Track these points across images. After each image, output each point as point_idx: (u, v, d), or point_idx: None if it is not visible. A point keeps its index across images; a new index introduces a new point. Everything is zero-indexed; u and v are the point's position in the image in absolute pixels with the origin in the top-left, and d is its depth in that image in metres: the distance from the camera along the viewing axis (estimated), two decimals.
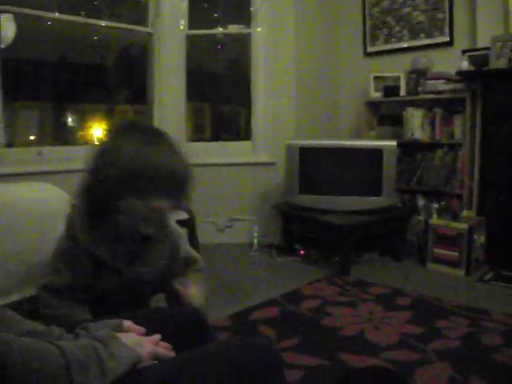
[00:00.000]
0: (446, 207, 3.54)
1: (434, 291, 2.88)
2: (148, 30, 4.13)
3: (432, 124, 3.72)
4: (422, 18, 3.94)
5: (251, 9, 4.14)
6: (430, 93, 3.69)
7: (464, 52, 3.58)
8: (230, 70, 4.93)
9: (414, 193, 3.80)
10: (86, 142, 4.80)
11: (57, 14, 3.73)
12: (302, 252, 3.68)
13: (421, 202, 3.74)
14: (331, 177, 3.59)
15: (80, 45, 4.67)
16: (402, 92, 3.92)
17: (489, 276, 3.13)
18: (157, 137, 1.28)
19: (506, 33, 3.35)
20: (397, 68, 4.01)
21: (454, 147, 3.61)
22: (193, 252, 1.64)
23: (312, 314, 2.57)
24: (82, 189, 1.26)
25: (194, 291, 1.51)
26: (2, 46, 3.55)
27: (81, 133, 5.01)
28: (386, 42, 4.14)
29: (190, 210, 3.46)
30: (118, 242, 1.35)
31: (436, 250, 3.33)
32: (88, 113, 4.98)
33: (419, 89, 3.79)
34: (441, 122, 3.67)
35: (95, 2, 4.35)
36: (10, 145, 3.69)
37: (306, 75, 4.16)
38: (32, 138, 4.86)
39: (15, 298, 1.59)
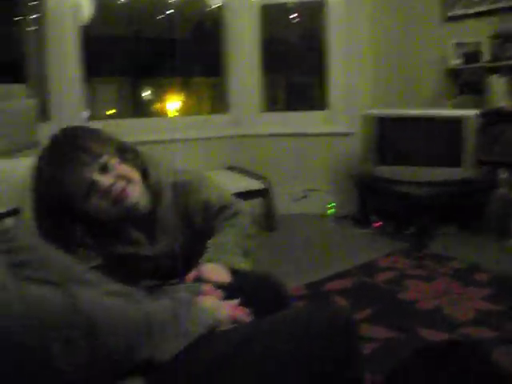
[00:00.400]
0: None
1: None
2: (221, 1, 4.15)
3: None
4: None
5: None
6: None
7: None
8: (303, 40, 4.88)
9: (496, 165, 3.66)
10: (163, 114, 4.94)
11: None
12: (377, 224, 3.65)
13: (503, 174, 3.59)
14: (409, 147, 3.52)
15: (155, 19, 4.76)
16: (484, 59, 3.75)
17: None
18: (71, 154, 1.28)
19: None
20: (478, 33, 3.83)
21: None
22: (220, 195, 1.52)
23: (387, 286, 2.58)
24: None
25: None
26: (81, 24, 3.69)
27: (157, 105, 5.15)
28: (467, 5, 3.94)
29: (265, 180, 3.52)
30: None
31: None
32: (164, 86, 5.10)
33: (504, 55, 3.60)
34: None
35: None
36: (91, 118, 3.88)
37: (383, 42, 4.05)
38: (111, 111, 5.05)
39: (96, 262, 1.68)
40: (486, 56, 3.74)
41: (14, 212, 1.43)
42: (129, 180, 1.33)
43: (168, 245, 1.44)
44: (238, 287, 1.23)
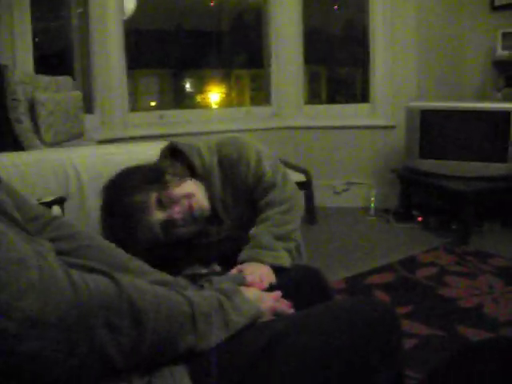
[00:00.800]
0: None
1: None
2: None
3: None
4: None
5: None
6: None
7: None
8: (346, 31, 4.83)
9: None
10: (204, 106, 4.98)
11: None
12: (419, 218, 3.60)
13: None
14: (454, 141, 3.45)
15: (196, 12, 4.79)
16: None
17: None
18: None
19: None
20: None
21: None
22: (256, 165, 1.43)
23: (428, 282, 2.55)
24: None
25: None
26: (125, 18, 3.75)
27: (199, 97, 5.19)
28: None
29: (307, 173, 3.51)
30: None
31: None
32: (205, 78, 5.14)
33: None
34: None
35: None
36: (133, 110, 3.94)
37: (428, 33, 3.98)
38: (153, 103, 5.12)
39: None
40: None
41: (60, 200, 1.46)
42: (188, 196, 1.33)
43: (235, 219, 1.45)
44: (280, 280, 1.23)
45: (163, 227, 1.28)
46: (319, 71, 4.89)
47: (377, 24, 3.98)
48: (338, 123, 4.14)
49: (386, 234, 3.46)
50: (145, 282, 0.81)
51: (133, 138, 3.49)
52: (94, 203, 1.57)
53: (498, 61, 3.82)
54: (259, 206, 1.42)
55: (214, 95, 5.09)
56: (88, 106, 3.46)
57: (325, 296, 1.27)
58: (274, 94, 4.24)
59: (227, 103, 5.11)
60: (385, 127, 4.04)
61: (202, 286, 1.05)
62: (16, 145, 2.40)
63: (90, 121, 3.37)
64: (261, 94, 4.72)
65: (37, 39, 3.35)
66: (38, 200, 1.39)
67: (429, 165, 3.48)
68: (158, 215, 1.27)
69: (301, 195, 1.49)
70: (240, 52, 5.02)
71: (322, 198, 3.99)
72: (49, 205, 1.41)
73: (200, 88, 5.22)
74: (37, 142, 2.45)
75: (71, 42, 3.84)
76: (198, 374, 0.81)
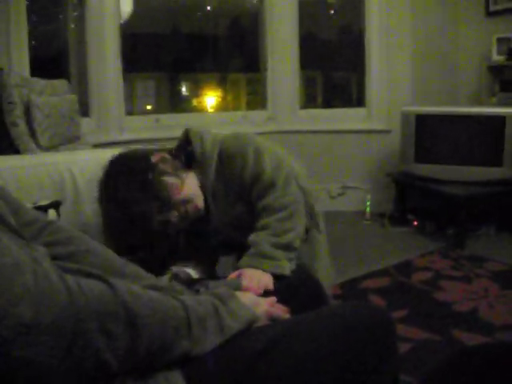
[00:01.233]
0: None
1: None
2: None
3: None
4: None
5: None
6: None
7: None
8: (342, 36, 4.84)
9: None
10: (200, 110, 4.98)
11: None
12: (415, 222, 3.61)
13: None
14: (449, 146, 3.46)
15: (193, 16, 4.80)
16: None
17: None
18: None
19: None
20: None
21: None
22: (255, 165, 1.40)
23: (423, 287, 2.55)
24: None
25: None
26: (121, 21, 3.75)
27: (195, 101, 5.19)
28: None
29: None
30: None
31: None
32: (201, 82, 5.14)
33: None
34: None
35: None
36: (129, 113, 3.94)
37: (423, 38, 3.99)
38: (149, 107, 5.12)
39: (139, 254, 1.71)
40: None
41: (56, 204, 1.46)
42: (186, 202, 1.35)
43: (223, 215, 1.46)
44: (275, 285, 1.23)
45: (159, 226, 1.30)
46: (315, 76, 4.90)
47: (372, 29, 4.00)
48: (333, 127, 4.16)
49: (381, 238, 3.46)
50: (140, 287, 0.81)
51: (129, 142, 3.48)
52: (90, 207, 1.57)
53: (492, 66, 3.84)
54: (258, 208, 1.40)
55: (210, 99, 5.09)
56: (84, 109, 3.46)
57: (320, 301, 1.27)
58: (270, 98, 4.25)
59: (223, 107, 5.11)
60: (380, 132, 4.06)
61: (197, 291, 1.04)
62: (12, 148, 2.40)
63: (85, 124, 3.36)
64: (257, 98, 4.72)
65: (33, 42, 3.35)
66: (34, 204, 1.39)
67: (424, 169, 3.49)
68: (157, 217, 1.29)
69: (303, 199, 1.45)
70: (236, 56, 5.03)
71: (318, 202, 3.97)
72: (44, 209, 1.41)
73: (196, 92, 5.22)
74: (32, 146, 2.45)
75: (67, 46, 3.84)
76: (193, 379, 0.80)
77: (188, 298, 0.87)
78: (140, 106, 4.99)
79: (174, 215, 1.32)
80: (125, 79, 3.79)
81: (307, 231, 1.53)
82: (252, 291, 1.10)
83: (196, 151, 1.43)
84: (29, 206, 1.29)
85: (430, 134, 3.50)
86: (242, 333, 0.90)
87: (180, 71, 5.02)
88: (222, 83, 5.07)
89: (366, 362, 0.91)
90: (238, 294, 0.99)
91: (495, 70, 3.86)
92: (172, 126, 3.87)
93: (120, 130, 3.69)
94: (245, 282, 1.15)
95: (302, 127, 4.18)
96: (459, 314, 2.24)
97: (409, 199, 3.76)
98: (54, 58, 3.91)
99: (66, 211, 1.51)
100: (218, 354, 0.84)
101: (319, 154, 4.14)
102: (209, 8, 4.81)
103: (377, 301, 2.39)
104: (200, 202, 1.39)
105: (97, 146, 3.15)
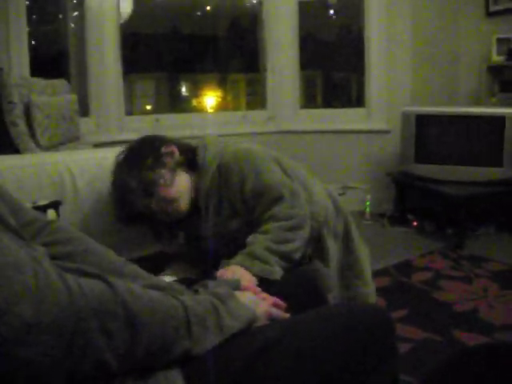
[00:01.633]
0: None
1: None
2: None
3: None
4: None
5: None
6: None
7: None
8: (341, 37, 4.84)
9: None
10: (200, 110, 4.98)
11: None
12: (415, 223, 3.61)
13: None
14: (449, 146, 3.46)
15: (192, 16, 4.80)
16: None
17: None
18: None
19: None
20: None
21: None
22: (258, 181, 1.40)
23: (423, 287, 2.55)
24: None
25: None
26: (121, 22, 3.75)
27: (195, 101, 5.19)
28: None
29: None
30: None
31: None
32: (201, 82, 5.14)
33: None
34: None
35: None
36: (129, 113, 3.94)
37: (423, 38, 3.99)
38: (149, 107, 5.12)
39: (136, 255, 1.72)
40: None
41: (55, 204, 1.46)
42: (172, 200, 1.42)
43: (214, 225, 1.48)
44: (274, 284, 1.24)
45: (144, 208, 1.41)
46: (315, 76, 4.90)
47: (372, 29, 4.00)
48: (333, 128, 4.15)
49: (381, 238, 3.46)
50: (140, 287, 0.81)
51: (128, 142, 3.47)
52: (90, 207, 1.57)
53: (492, 66, 3.84)
54: (263, 219, 1.38)
55: (210, 99, 5.09)
56: (84, 109, 3.46)
57: (320, 300, 1.26)
58: (270, 98, 4.25)
59: (223, 107, 5.11)
60: (380, 132, 4.05)
61: (196, 291, 1.04)
62: (11, 148, 2.40)
63: (85, 124, 3.36)
64: (256, 98, 4.72)
65: (33, 42, 3.35)
66: (33, 204, 1.39)
67: (424, 169, 3.49)
68: (140, 198, 1.39)
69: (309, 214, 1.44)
70: (236, 56, 5.03)
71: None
72: (44, 209, 1.41)
73: (196, 92, 5.22)
74: (32, 145, 2.44)
75: (67, 46, 3.84)
76: (193, 379, 0.80)
77: (188, 297, 0.87)
78: (140, 106, 4.99)
79: (154, 205, 1.40)
80: (124, 79, 3.79)
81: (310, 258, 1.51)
82: (252, 291, 1.10)
83: (198, 159, 1.49)
84: (28, 205, 1.29)
85: (429, 134, 3.50)
86: (241, 332, 0.89)
87: (180, 71, 5.02)
88: (221, 83, 5.07)
89: (366, 361, 0.91)
90: (238, 293, 0.99)
91: (495, 71, 3.86)
92: (172, 126, 3.88)
93: (120, 129, 3.69)
94: (245, 282, 1.15)
95: (302, 127, 4.18)
96: (459, 313, 2.24)
97: (409, 199, 3.76)
98: (53, 58, 3.91)
99: (65, 211, 1.51)
100: (218, 353, 0.83)
101: (319, 154, 4.13)
102: (208, 8, 4.81)
103: (377, 301, 2.38)
104: (183, 204, 1.45)
105: (96, 145, 3.15)
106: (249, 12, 4.66)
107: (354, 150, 4.13)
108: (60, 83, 2.99)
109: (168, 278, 1.37)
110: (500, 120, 3.25)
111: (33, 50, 3.26)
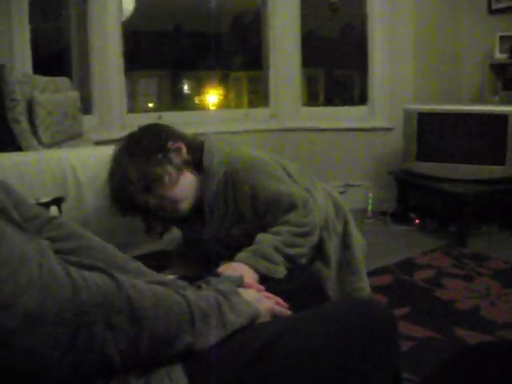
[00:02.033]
0: None
1: None
2: None
3: None
4: None
5: None
6: None
7: None
8: (344, 34, 4.84)
9: None
10: (202, 108, 4.98)
11: None
12: (417, 221, 3.61)
13: None
14: (451, 144, 3.45)
15: (195, 13, 4.80)
16: None
17: None
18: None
19: None
20: None
21: None
22: (268, 189, 1.41)
23: (425, 285, 2.55)
24: None
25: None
26: (123, 19, 3.75)
27: (197, 98, 5.19)
28: None
29: None
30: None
31: None
32: (203, 79, 5.14)
33: None
34: None
35: None
36: (131, 111, 3.95)
37: (426, 36, 3.98)
38: (151, 104, 5.12)
39: (138, 252, 1.72)
40: None
41: (58, 201, 1.46)
42: (174, 200, 1.39)
43: (217, 230, 1.47)
44: (276, 282, 1.24)
45: (141, 202, 1.37)
46: (317, 73, 4.89)
47: (375, 26, 3.99)
48: (335, 125, 4.15)
49: (383, 236, 3.46)
50: (143, 282, 0.81)
51: None
52: (92, 204, 1.57)
53: (495, 64, 3.83)
54: (275, 224, 1.39)
55: (212, 97, 5.09)
56: (86, 106, 3.46)
57: (322, 298, 1.27)
58: (272, 95, 4.24)
59: (225, 105, 5.11)
60: (382, 129, 4.05)
61: (199, 287, 1.04)
62: (14, 145, 2.40)
63: (87, 121, 3.36)
64: (259, 95, 4.72)
65: (35, 39, 3.35)
66: (36, 200, 1.39)
67: (426, 167, 3.49)
68: (140, 196, 1.36)
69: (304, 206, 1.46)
70: (238, 54, 5.03)
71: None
72: (46, 205, 1.41)
73: (198, 89, 5.22)
74: (35, 143, 2.44)
75: (69, 43, 3.84)
76: (195, 374, 0.81)
77: (191, 293, 0.87)
78: (142, 104, 4.99)
79: (152, 201, 1.37)
80: (127, 77, 3.79)
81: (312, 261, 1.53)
82: (255, 288, 1.10)
83: (204, 162, 1.44)
84: (31, 202, 1.29)
85: (432, 132, 3.49)
86: (244, 329, 0.90)
87: (182, 69, 5.02)
88: (224, 81, 5.07)
89: (368, 359, 0.91)
90: (241, 290, 0.99)
91: (498, 68, 3.85)
92: (174, 124, 3.85)
93: (122, 127, 3.68)
94: (248, 279, 1.15)
95: (304, 125, 4.18)
96: (461, 312, 2.24)
97: (411, 197, 3.76)
98: (56, 55, 3.91)
99: (67, 208, 1.51)
100: (220, 349, 0.84)
101: (321, 152, 4.13)
102: (211, 6, 4.80)
103: (379, 298, 2.38)
104: (184, 205, 1.42)
105: (99, 143, 3.15)
106: (251, 9, 4.66)
107: (356, 147, 4.13)
108: (62, 80, 2.98)
109: (170, 277, 1.37)
110: (503, 118, 3.24)
111: (35, 47, 3.26)
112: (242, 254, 1.31)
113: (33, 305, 0.63)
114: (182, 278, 1.20)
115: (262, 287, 1.13)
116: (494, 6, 3.93)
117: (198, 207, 1.46)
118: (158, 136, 1.43)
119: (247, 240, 1.39)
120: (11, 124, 2.42)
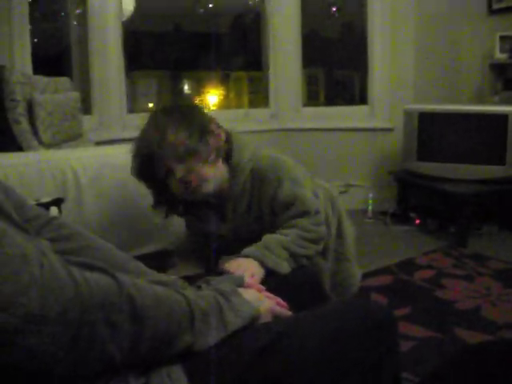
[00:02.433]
0: None
1: None
2: None
3: None
4: None
5: None
6: None
7: None
8: (344, 34, 4.84)
9: None
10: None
11: None
12: (417, 221, 3.60)
13: None
14: (451, 144, 3.45)
15: (195, 14, 4.80)
16: None
17: None
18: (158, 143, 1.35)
19: None
20: None
21: None
22: (290, 192, 1.45)
23: (426, 285, 2.55)
24: None
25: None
26: (124, 20, 3.75)
27: (197, 99, 5.19)
28: None
29: None
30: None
31: None
32: (204, 80, 5.14)
33: None
34: None
35: None
36: (131, 111, 3.95)
37: (426, 36, 3.98)
38: (151, 105, 5.12)
39: (139, 252, 1.72)
40: None
41: (58, 201, 1.46)
42: (202, 178, 1.37)
43: (236, 227, 1.49)
44: (277, 282, 1.24)
45: (166, 173, 1.34)
46: (317, 73, 4.89)
47: (375, 26, 3.99)
48: (336, 125, 4.14)
49: (383, 236, 3.46)
50: (144, 281, 0.81)
51: (131, 140, 3.46)
52: (92, 204, 1.57)
53: (495, 64, 3.83)
54: (285, 225, 1.43)
55: (212, 97, 5.09)
56: (86, 107, 3.46)
57: (322, 298, 1.27)
58: (273, 96, 4.24)
59: (225, 105, 5.11)
60: (383, 129, 4.05)
61: (199, 287, 1.05)
62: (14, 145, 2.40)
63: (87, 122, 3.36)
64: (259, 96, 4.72)
65: (35, 40, 3.35)
66: (36, 201, 1.39)
67: (427, 167, 3.48)
68: (171, 163, 1.33)
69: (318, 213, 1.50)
70: (238, 54, 5.02)
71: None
72: (46, 206, 1.41)
73: (198, 90, 5.22)
74: (35, 143, 2.44)
75: (70, 43, 3.85)
76: (195, 374, 0.81)
77: (191, 292, 0.87)
78: (142, 104, 4.99)
79: (180, 170, 1.33)
80: (127, 77, 3.79)
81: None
82: (255, 288, 1.10)
83: (234, 156, 1.45)
84: (31, 202, 1.29)
85: (432, 132, 3.49)
86: (244, 329, 0.90)
87: (182, 69, 5.02)
88: (224, 81, 5.06)
89: (368, 359, 0.91)
90: (241, 290, 0.99)
91: (498, 68, 3.85)
92: None
93: (122, 127, 3.68)
94: (248, 279, 1.15)
95: (305, 125, 4.17)
96: (461, 312, 2.23)
97: (411, 197, 3.76)
98: (56, 56, 3.91)
99: (67, 208, 1.52)
100: (220, 349, 0.84)
101: (321, 152, 4.13)
102: (211, 6, 4.81)
103: (379, 299, 2.39)
104: (209, 187, 1.39)
105: (99, 143, 3.15)
106: (251, 9, 4.66)
107: (356, 147, 4.12)
108: (63, 81, 2.99)
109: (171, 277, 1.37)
110: (503, 118, 3.24)
111: (35, 48, 3.26)
112: (248, 248, 1.34)
113: (34, 305, 0.63)
114: (183, 277, 1.20)
115: (262, 287, 1.13)
116: (495, 6, 3.93)
117: (218, 201, 1.47)
118: (203, 115, 1.44)
119: (259, 237, 1.43)
120: (11, 124, 2.42)
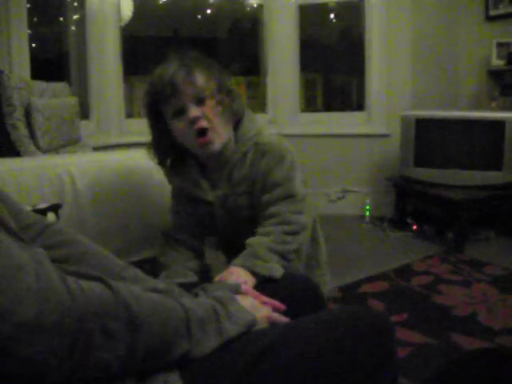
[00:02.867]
0: None
1: None
2: (260, 1, 4.17)
3: None
4: None
5: None
6: None
7: None
8: (341, 40, 4.86)
9: None
10: None
11: None
12: (414, 226, 3.61)
13: None
14: (449, 150, 3.46)
15: (193, 19, 4.81)
16: None
17: None
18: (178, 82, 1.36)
19: None
20: None
21: None
22: (285, 176, 1.46)
23: (423, 291, 2.55)
24: None
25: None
26: (122, 24, 3.76)
27: None
28: (511, 4, 3.83)
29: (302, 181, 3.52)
30: (186, 167, 1.51)
31: None
32: None
33: None
34: None
35: None
36: (129, 116, 3.95)
37: (423, 42, 4.00)
38: None
39: (136, 258, 1.72)
40: None
41: (55, 207, 1.46)
42: (213, 127, 1.37)
43: (224, 196, 1.49)
44: (273, 288, 1.23)
45: (180, 111, 1.36)
46: (315, 79, 4.90)
47: (372, 33, 4.00)
48: (333, 131, 4.16)
49: (380, 242, 3.46)
50: (140, 289, 0.81)
51: (128, 145, 3.49)
52: (90, 210, 1.57)
53: (492, 70, 3.84)
54: (268, 211, 1.43)
55: None
56: (84, 112, 3.46)
57: (319, 305, 1.27)
58: (270, 101, 4.25)
59: None
60: (380, 135, 4.06)
61: (196, 294, 1.05)
62: (12, 151, 2.40)
63: (85, 127, 3.37)
64: (257, 101, 4.72)
65: (33, 45, 3.35)
66: (33, 207, 1.39)
67: (424, 173, 3.49)
68: (187, 102, 1.35)
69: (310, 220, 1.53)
70: (236, 59, 5.03)
71: (318, 206, 3.98)
72: (44, 212, 1.41)
73: None
74: (32, 148, 2.45)
75: (68, 48, 3.85)
76: (192, 381, 0.81)
77: (188, 300, 0.87)
78: (140, 109, 4.99)
79: (193, 110, 1.34)
80: (125, 82, 3.80)
81: None
82: (251, 295, 1.10)
83: (243, 125, 1.48)
84: (28, 208, 1.29)
85: (429, 139, 3.50)
86: (241, 336, 0.90)
87: None
88: None
89: (365, 365, 0.91)
90: (238, 297, 0.99)
91: (495, 75, 3.86)
92: None
93: (120, 132, 3.69)
94: (245, 286, 1.15)
95: (302, 131, 4.18)
96: (458, 318, 2.23)
97: (408, 203, 3.76)
98: (54, 61, 3.91)
99: (65, 214, 1.51)
100: (218, 356, 0.84)
101: (319, 158, 4.13)
102: (209, 11, 4.82)
103: (376, 305, 2.39)
104: (213, 137, 1.38)
105: (97, 148, 3.15)
106: (249, 15, 4.67)
107: (353, 153, 4.13)
108: (60, 86, 2.99)
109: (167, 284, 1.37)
110: (500, 124, 3.25)
111: (33, 53, 3.27)
112: (237, 260, 1.33)
113: (31, 313, 0.63)
114: (179, 285, 1.20)
115: (258, 294, 1.13)
116: (491, 13, 3.95)
117: (217, 162, 1.47)
118: (226, 73, 1.47)
119: (249, 212, 1.48)
120: (9, 130, 2.43)
